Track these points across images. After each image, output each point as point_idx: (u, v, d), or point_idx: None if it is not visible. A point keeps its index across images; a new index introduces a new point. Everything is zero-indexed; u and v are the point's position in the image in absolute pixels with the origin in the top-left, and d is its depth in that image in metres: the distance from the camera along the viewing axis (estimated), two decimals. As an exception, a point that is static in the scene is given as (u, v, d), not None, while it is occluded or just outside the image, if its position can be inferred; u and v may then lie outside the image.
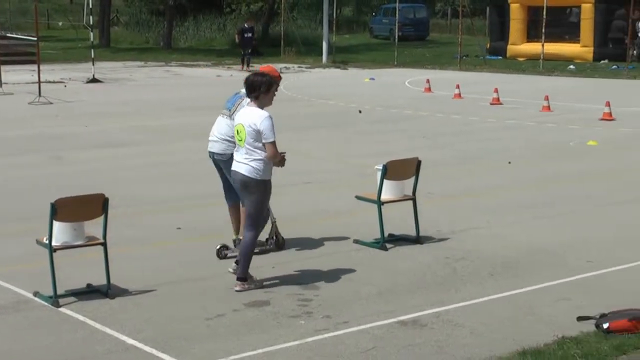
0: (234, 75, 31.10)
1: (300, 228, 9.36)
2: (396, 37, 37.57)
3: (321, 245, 8.74)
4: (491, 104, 21.39)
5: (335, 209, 10.23)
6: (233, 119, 8.02)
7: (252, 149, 7.34)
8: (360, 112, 19.32)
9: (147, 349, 6.09)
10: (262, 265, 8.01)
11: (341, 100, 22.41)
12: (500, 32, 37.06)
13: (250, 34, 32.28)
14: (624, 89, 24.88)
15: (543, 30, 31.43)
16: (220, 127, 8.37)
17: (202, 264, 8.17)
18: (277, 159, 7.45)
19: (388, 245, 8.61)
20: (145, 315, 6.76)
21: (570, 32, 34.20)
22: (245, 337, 6.28)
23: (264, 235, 8.38)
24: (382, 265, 8.10)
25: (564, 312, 6.68)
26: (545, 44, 31.46)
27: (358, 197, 9.07)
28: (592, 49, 33.33)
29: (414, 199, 8.89)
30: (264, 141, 7.30)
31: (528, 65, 32.30)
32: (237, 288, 7.35)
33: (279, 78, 8.14)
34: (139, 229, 9.49)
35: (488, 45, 37.80)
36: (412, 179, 8.88)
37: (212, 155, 8.43)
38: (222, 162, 8.33)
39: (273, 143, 7.33)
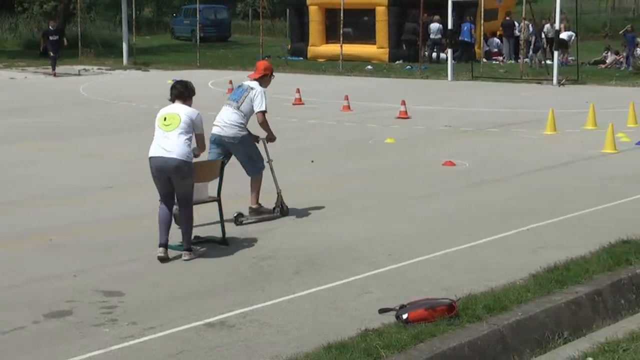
0: (29, 78, 29.92)
1: (104, 233, 9.15)
2: (198, 38, 37.40)
3: (126, 250, 8.57)
4: (294, 104, 21.72)
5: (139, 212, 10.05)
6: (241, 110, 9.80)
7: (184, 136, 8.31)
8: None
9: (-62, 368, 5.76)
10: (62, 274, 7.76)
11: (143, 102, 22.04)
12: (301, 34, 37.68)
13: (56, 37, 31.00)
14: (418, 89, 26.00)
15: (341, 32, 32.29)
16: (229, 116, 9.81)
17: (-2, 275, 7.81)
18: (203, 150, 8.73)
19: (194, 248, 8.56)
20: (-64, 332, 6.38)
21: (367, 34, 35.29)
22: (47, 350, 6.06)
23: (270, 204, 9.95)
24: (188, 268, 8.05)
25: (366, 306, 6.90)
26: (343, 45, 32.32)
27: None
28: (387, 50, 34.53)
29: (219, 200, 8.90)
30: (196, 132, 8.49)
31: (328, 66, 33.05)
32: (186, 257, 8.27)
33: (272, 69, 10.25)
34: None
35: (289, 47, 38.37)
36: (217, 180, 8.90)
37: (219, 138, 9.79)
38: (232, 145, 9.80)
39: (203, 136, 8.61)
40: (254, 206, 9.88)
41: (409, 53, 34.27)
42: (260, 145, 10.12)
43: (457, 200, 10.89)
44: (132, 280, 7.65)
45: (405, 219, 9.92)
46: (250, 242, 8.91)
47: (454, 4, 28.41)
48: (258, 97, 9.90)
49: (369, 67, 32.51)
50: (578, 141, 15.30)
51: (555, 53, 26.78)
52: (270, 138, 10.19)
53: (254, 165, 9.96)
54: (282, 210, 10.04)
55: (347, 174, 12.68)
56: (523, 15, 31.74)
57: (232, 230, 9.08)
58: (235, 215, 9.61)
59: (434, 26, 33.37)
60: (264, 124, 9.99)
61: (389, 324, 6.41)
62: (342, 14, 32.19)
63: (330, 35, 35.97)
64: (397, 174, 12.72)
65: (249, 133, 9.99)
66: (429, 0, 31.04)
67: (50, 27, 31.48)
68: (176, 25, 53.82)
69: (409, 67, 32.17)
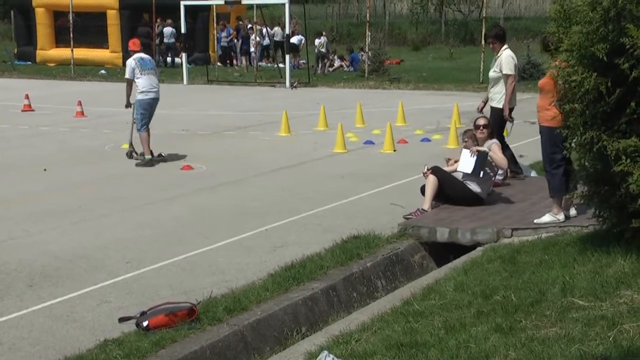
0: None
1: None
2: None
3: None
4: (23, 110, 20.79)
5: None
6: (158, 75, 13.97)
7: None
8: None
9: None
10: None
11: None
12: (28, 37, 36.08)
13: None
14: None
15: (71, 36, 31.27)
16: (154, 81, 13.72)
17: None
18: None
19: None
20: None
21: (99, 38, 34.45)
22: None
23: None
24: None
25: (105, 315, 6.75)
26: (75, 49, 31.31)
27: None
28: (121, 54, 33.88)
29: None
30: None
31: (59, 71, 31.92)
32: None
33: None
34: None
35: (15, 51, 36.62)
36: None
37: (157, 100, 13.81)
38: (157, 102, 13.83)
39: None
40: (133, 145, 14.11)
41: (144, 57, 33.83)
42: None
43: (196, 203, 10.92)
44: None
45: (143, 224, 9.79)
46: (-23, 257, 8.41)
47: (186, 8, 28.44)
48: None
49: (103, 71, 31.77)
50: (311, 142, 15.87)
51: (287, 57, 27.59)
52: None
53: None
54: (164, 158, 13.88)
55: (83, 181, 12.32)
56: (255, 20, 32.44)
57: (-43, 246, 8.54)
58: (157, 155, 13.75)
59: (167, 30, 33.24)
60: None
61: (129, 332, 6.30)
62: (71, 17, 31.20)
63: (61, 39, 34.77)
64: (134, 179, 12.54)
65: None
66: (160, 4, 30.88)
67: None
68: None
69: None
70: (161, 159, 13.79)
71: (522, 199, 10.26)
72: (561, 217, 8.78)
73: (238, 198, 11.20)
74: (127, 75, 13.81)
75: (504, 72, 10.98)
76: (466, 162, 9.98)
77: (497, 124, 10.90)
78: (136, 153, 14.04)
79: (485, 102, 11.76)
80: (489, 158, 9.91)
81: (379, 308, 6.82)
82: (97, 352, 5.88)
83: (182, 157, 14.18)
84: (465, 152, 10.03)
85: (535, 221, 8.89)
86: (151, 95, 13.67)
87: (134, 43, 14.16)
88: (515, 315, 6.05)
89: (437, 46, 43.47)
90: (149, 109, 13.75)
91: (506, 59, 11.00)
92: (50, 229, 9.60)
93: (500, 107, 10.96)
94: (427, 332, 5.93)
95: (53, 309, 6.94)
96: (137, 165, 13.54)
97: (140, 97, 13.69)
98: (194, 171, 13.06)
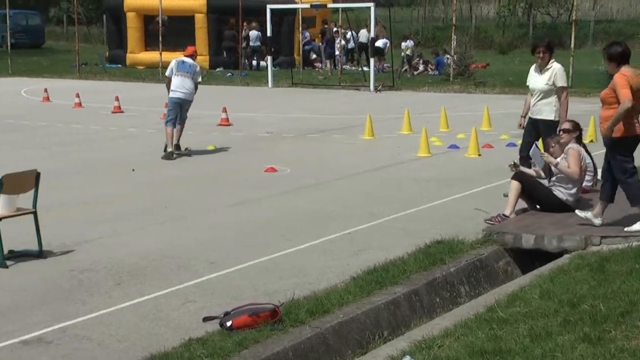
0: None
1: None
2: (9, 44, 35.90)
3: None
4: (113, 112, 21.29)
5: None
6: (193, 79, 14.91)
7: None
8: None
9: None
10: None
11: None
12: (119, 41, 36.92)
13: None
14: (239, 96, 26.06)
15: (160, 39, 31.87)
16: (188, 84, 14.89)
17: None
18: None
19: (8, 263, 8.22)
20: None
21: (188, 41, 34.96)
22: None
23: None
24: (2, 284, 7.69)
25: (189, 315, 6.84)
26: (163, 52, 31.90)
27: (-28, 214, 8.58)
28: (207, 57, 34.39)
29: (34, 212, 8.58)
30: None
31: (148, 74, 32.57)
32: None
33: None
34: None
35: (107, 54, 37.51)
36: (32, 192, 8.57)
37: (183, 100, 14.91)
38: (187, 103, 15.05)
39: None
40: (178, 143, 14.96)
41: (230, 60, 34.29)
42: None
43: (279, 205, 10.99)
44: (-60, 299, 7.24)
45: (227, 225, 9.90)
46: (68, 254, 8.63)
47: (272, 11, 28.69)
48: (200, 71, 15.38)
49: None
50: (394, 146, 15.81)
51: (372, 60, 27.57)
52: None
53: (186, 117, 15.13)
54: (188, 153, 14.98)
55: (169, 182, 12.53)
56: (340, 23, 32.52)
57: (49, 243, 8.76)
58: (169, 151, 14.62)
59: (253, 34, 33.58)
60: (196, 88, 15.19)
61: (212, 332, 6.37)
62: (160, 21, 31.80)
63: (150, 42, 35.46)
64: (219, 180, 12.69)
65: None
66: (247, 7, 31.23)
67: None
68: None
69: (229, 74, 32.19)
70: (186, 153, 14.92)
71: (611, 206, 10.00)
72: (652, 225, 8.54)
73: (321, 201, 11.23)
74: (166, 73, 15.30)
75: (559, 84, 10.74)
76: (536, 157, 10.03)
77: (548, 135, 10.65)
78: (179, 148, 15.01)
79: (525, 116, 11.47)
80: (557, 170, 9.73)
81: (462, 314, 6.74)
82: (181, 351, 5.97)
83: (267, 159, 14.28)
84: (536, 152, 9.98)
85: (625, 229, 8.67)
86: (177, 95, 14.84)
87: (187, 49, 15.58)
88: (604, 325, 5.90)
89: (524, 50, 42.76)
90: (175, 106, 14.88)
91: (560, 71, 10.83)
92: (137, 228, 9.79)
93: (551, 119, 10.75)
94: (512, 340, 5.84)
95: (139, 307, 7.07)
96: (162, 157, 14.65)
97: (170, 94, 14.99)
98: (277, 173, 13.15)
